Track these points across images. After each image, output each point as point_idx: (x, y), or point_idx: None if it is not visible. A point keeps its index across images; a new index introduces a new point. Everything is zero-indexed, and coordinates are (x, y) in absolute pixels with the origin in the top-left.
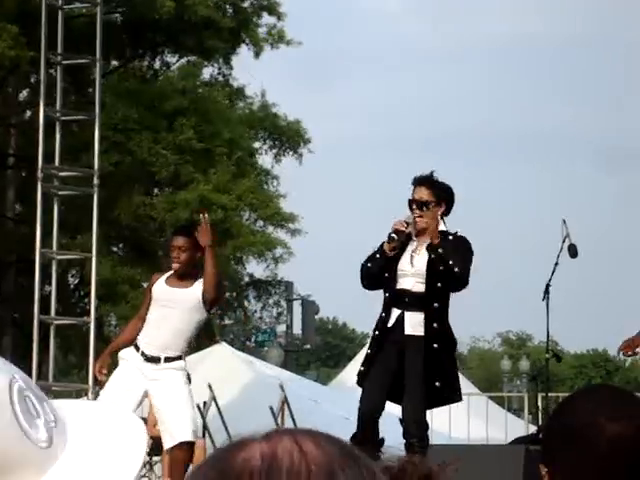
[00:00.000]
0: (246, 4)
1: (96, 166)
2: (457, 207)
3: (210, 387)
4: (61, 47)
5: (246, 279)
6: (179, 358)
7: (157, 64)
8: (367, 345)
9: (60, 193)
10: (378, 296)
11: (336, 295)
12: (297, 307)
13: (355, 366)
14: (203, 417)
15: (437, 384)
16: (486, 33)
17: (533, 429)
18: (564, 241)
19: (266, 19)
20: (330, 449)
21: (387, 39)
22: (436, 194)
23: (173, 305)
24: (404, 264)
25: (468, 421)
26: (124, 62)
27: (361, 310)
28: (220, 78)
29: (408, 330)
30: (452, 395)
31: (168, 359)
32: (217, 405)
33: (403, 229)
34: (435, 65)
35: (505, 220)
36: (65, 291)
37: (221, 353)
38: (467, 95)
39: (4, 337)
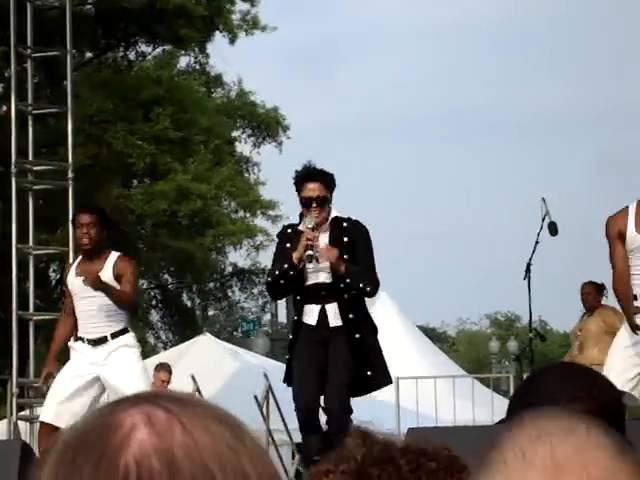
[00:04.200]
0: None
1: (70, 159)
2: (442, 189)
3: (194, 378)
4: (31, 40)
5: (229, 269)
6: (125, 330)
7: (132, 55)
8: (288, 349)
9: (35, 188)
10: None
11: None
12: None
13: None
14: None
15: (369, 373)
16: (472, 10)
17: None
18: (544, 219)
19: (240, 5)
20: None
21: (367, 21)
22: (328, 186)
23: (92, 293)
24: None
25: (454, 403)
26: (98, 53)
27: None
28: (196, 66)
29: (332, 323)
30: (384, 380)
31: (114, 334)
32: (201, 396)
33: (314, 242)
34: (419, 45)
35: (489, 199)
36: (46, 286)
37: (205, 344)
38: (450, 76)
39: None
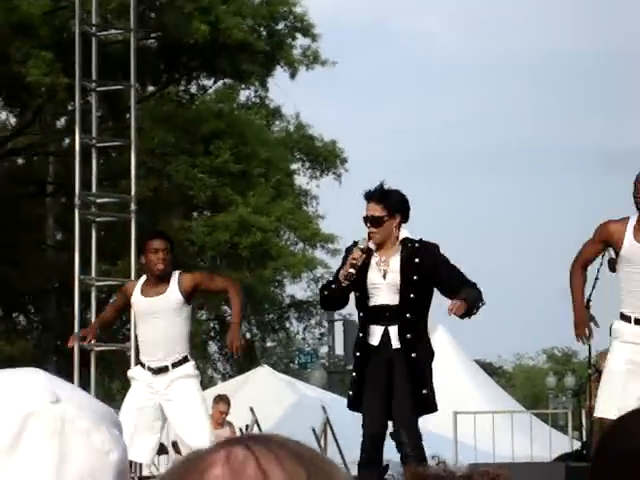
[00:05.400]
0: (280, 26)
1: (133, 192)
2: (502, 223)
3: (252, 410)
4: (95, 74)
5: (287, 301)
6: (185, 359)
7: (193, 88)
8: (352, 367)
9: (98, 220)
10: None
11: None
12: (339, 327)
13: None
14: None
15: (424, 392)
16: (522, 48)
17: (578, 445)
18: (603, 255)
19: (301, 40)
20: (296, 472)
21: (424, 58)
22: (388, 207)
23: (157, 315)
24: (375, 278)
25: (512, 438)
26: (160, 87)
27: None
28: (257, 100)
29: (395, 344)
30: (435, 404)
31: (175, 364)
32: (259, 428)
33: (358, 263)
34: (474, 82)
35: (546, 234)
36: None
37: (263, 376)
38: (505, 111)
39: (47, 365)
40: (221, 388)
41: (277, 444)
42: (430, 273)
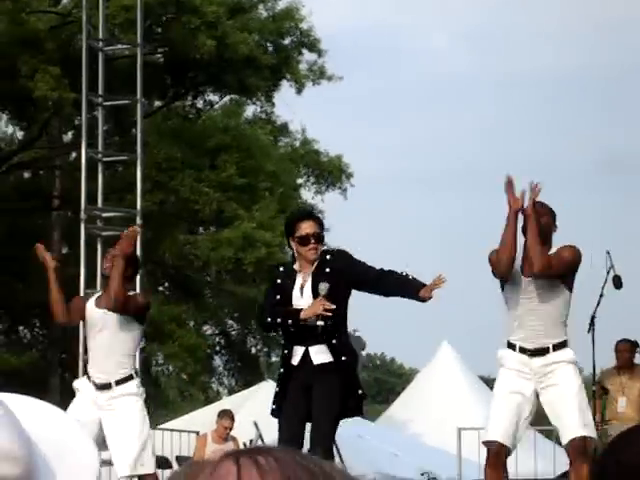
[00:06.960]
0: (287, 41)
1: (139, 206)
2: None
3: (256, 425)
4: (102, 88)
5: None
6: (130, 377)
7: (200, 103)
8: (276, 383)
9: (103, 234)
10: (427, 332)
11: (384, 330)
12: None
13: (403, 401)
14: None
15: (360, 392)
16: (534, 65)
17: None
18: (608, 272)
19: (307, 56)
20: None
21: (432, 74)
22: (321, 225)
23: (105, 328)
24: (296, 299)
25: (516, 455)
26: (167, 102)
27: (410, 345)
28: (263, 116)
29: (316, 361)
30: (360, 408)
31: (119, 382)
32: (263, 442)
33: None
34: (481, 99)
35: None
36: None
37: (267, 391)
38: (510, 128)
39: (51, 378)
40: (226, 402)
41: (269, 455)
42: (345, 275)
